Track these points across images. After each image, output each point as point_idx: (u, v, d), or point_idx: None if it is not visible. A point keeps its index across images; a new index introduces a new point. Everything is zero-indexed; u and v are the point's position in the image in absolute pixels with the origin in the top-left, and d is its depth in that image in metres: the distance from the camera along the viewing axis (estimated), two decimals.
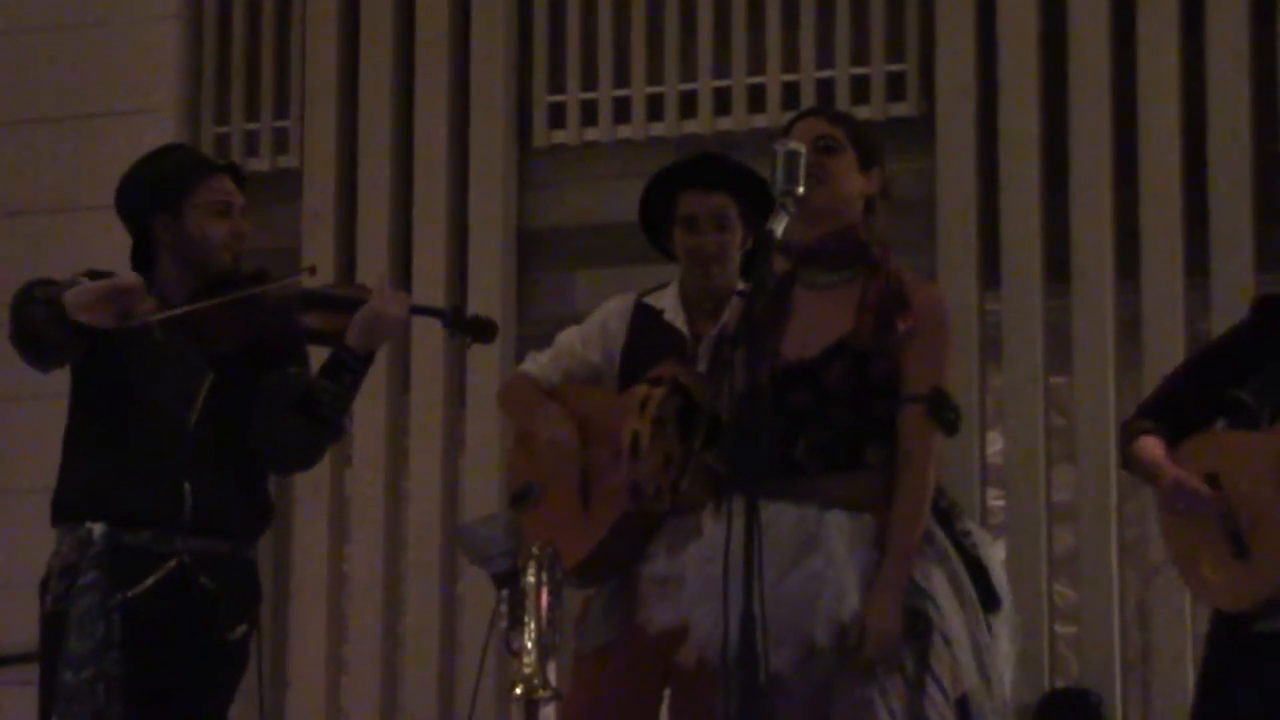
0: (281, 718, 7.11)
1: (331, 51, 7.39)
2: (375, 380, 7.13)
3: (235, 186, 4.57)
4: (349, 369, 4.53)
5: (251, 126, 7.52)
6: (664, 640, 4.26)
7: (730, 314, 4.29)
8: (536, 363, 5.07)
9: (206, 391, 4.49)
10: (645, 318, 4.94)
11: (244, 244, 4.57)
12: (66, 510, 4.45)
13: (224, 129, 7.52)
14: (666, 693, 4.81)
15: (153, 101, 7.39)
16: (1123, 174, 6.59)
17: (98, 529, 4.36)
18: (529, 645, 4.35)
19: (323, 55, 7.40)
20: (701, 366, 4.71)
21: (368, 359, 4.55)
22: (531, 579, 4.42)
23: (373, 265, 7.21)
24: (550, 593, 4.41)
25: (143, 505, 4.40)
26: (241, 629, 4.52)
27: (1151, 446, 4.54)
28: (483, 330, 4.74)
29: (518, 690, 4.37)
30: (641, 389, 4.50)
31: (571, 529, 4.74)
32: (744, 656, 3.56)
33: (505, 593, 4.67)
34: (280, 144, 7.48)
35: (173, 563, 4.41)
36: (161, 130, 7.16)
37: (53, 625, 4.37)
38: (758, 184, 4.82)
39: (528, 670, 4.35)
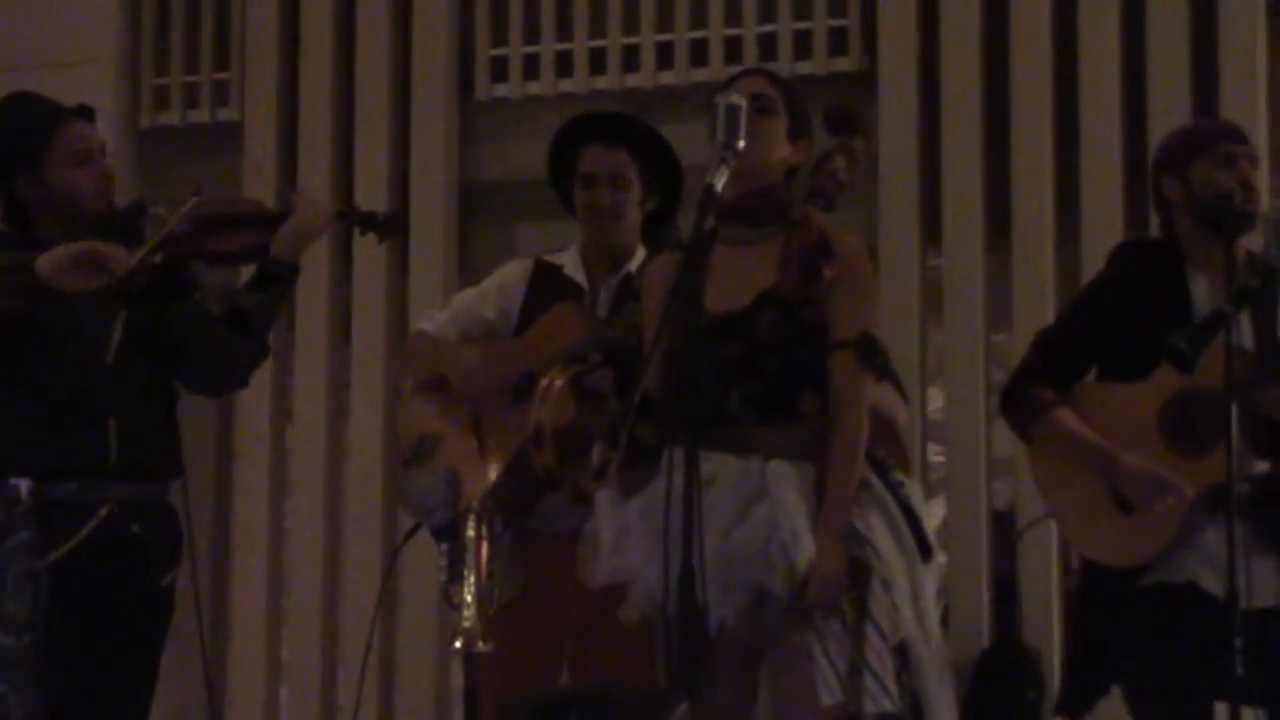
0: (223, 669, 7.11)
1: (272, 4, 7.35)
2: (316, 333, 7.14)
3: (90, 128, 4.47)
4: (277, 278, 4.52)
5: (191, 79, 7.48)
6: (567, 594, 4.26)
7: (653, 267, 4.33)
8: (434, 322, 5.08)
9: (121, 328, 4.45)
10: (545, 275, 4.97)
11: (114, 184, 4.48)
12: None
13: (163, 81, 7.48)
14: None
15: (91, 53, 7.33)
16: (1064, 131, 6.60)
17: (24, 485, 4.32)
18: (468, 599, 4.34)
19: (263, 7, 7.35)
20: (602, 313, 4.80)
21: (295, 269, 4.54)
22: (471, 532, 4.41)
23: None
24: (490, 546, 4.41)
25: (68, 451, 4.36)
26: (171, 574, 4.50)
27: (1075, 421, 4.53)
28: (387, 227, 4.79)
29: (457, 644, 4.37)
30: (549, 375, 4.52)
31: (471, 473, 4.76)
32: (684, 609, 3.57)
33: (445, 546, 4.67)
34: (220, 96, 7.45)
35: (104, 511, 4.38)
36: (99, 82, 7.12)
37: None
38: (660, 146, 4.89)
39: (467, 624, 4.35)
